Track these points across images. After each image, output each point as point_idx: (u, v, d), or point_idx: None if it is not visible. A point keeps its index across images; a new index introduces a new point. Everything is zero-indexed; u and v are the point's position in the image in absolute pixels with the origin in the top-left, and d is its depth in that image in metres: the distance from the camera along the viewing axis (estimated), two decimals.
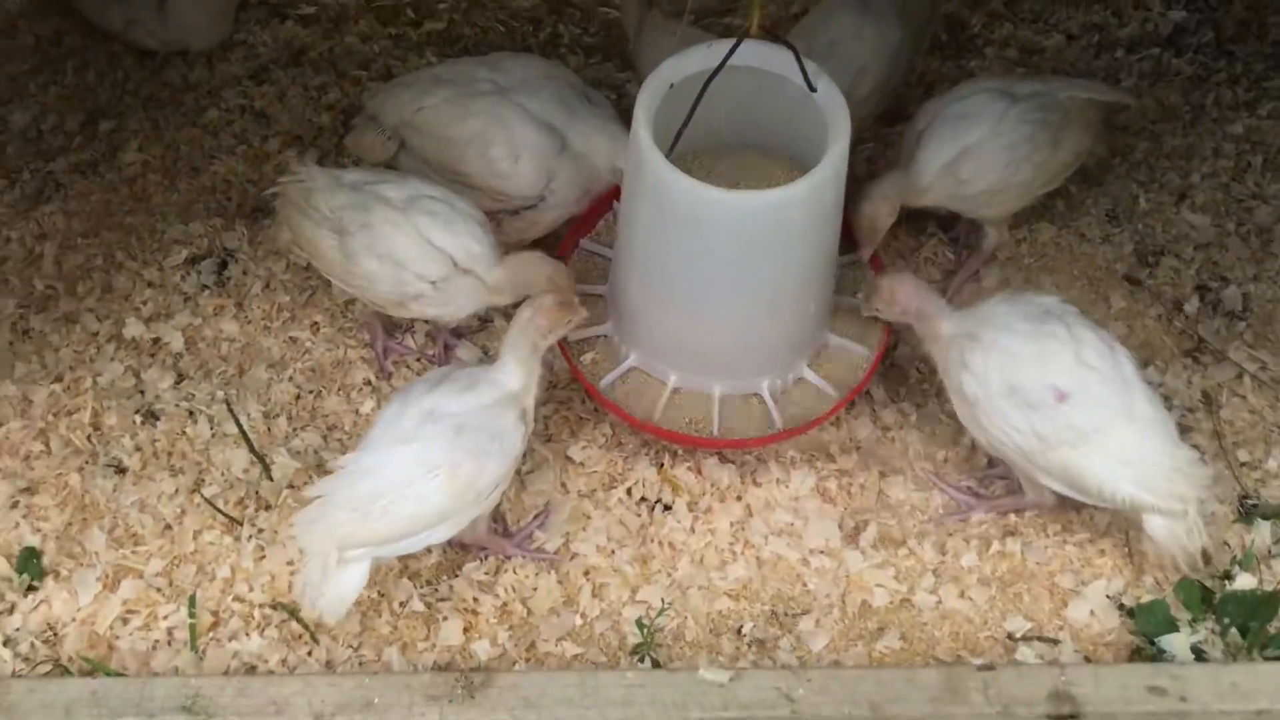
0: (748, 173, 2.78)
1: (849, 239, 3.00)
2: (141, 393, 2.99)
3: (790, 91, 2.62)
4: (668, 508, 2.84)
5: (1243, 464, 2.91)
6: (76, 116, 3.54)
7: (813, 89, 2.58)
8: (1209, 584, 2.70)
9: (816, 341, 2.86)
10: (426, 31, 3.78)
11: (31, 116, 3.54)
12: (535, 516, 2.80)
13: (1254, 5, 3.85)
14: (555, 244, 2.99)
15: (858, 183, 3.35)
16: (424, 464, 2.46)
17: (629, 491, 2.86)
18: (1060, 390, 2.55)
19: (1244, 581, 2.69)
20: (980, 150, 2.91)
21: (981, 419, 2.64)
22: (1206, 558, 2.64)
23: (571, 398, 2.99)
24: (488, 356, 3.09)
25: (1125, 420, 2.56)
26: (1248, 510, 2.83)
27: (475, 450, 2.48)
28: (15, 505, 2.81)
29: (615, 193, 2.96)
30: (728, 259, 2.59)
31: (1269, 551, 2.76)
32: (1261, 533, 2.77)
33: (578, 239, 3.02)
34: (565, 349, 2.81)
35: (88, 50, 3.69)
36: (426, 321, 3.08)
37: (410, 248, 2.74)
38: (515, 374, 2.57)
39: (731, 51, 2.52)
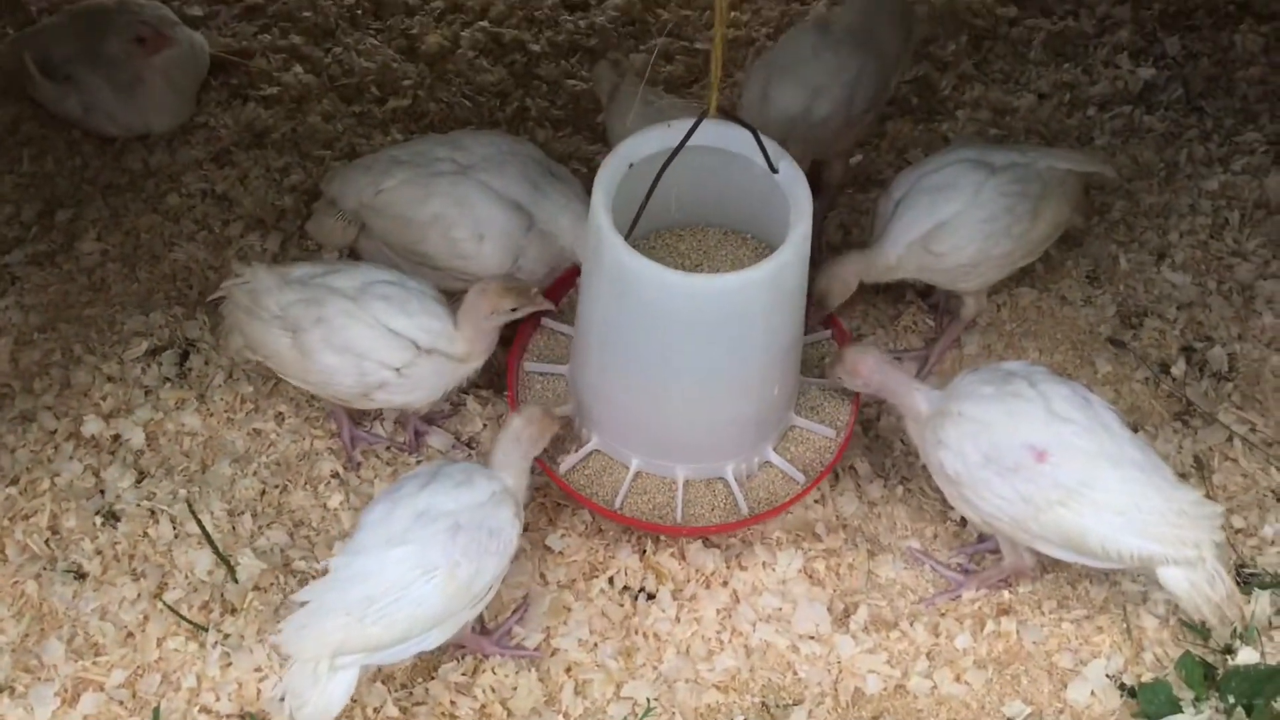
0: (712, 252, 2.73)
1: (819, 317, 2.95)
2: (102, 493, 2.88)
3: (754, 171, 2.57)
4: (651, 596, 2.75)
5: (1238, 530, 2.84)
6: (33, 206, 3.46)
7: (774, 170, 2.52)
8: (1210, 659, 2.61)
9: (782, 424, 2.79)
10: (391, 109, 3.73)
11: None
12: (514, 611, 2.70)
13: (1221, 61, 3.85)
14: (515, 324, 2.86)
15: (830, 249, 3.33)
16: (421, 565, 2.37)
17: (610, 581, 2.77)
18: (1037, 448, 2.48)
19: (1246, 656, 2.60)
20: (958, 223, 2.86)
21: (969, 495, 2.56)
22: (1235, 607, 2.54)
23: (548, 484, 2.89)
24: (460, 442, 3.00)
25: (1112, 468, 2.48)
26: (1246, 579, 2.75)
27: (474, 549, 2.40)
28: None
29: (579, 269, 2.90)
30: (687, 342, 2.52)
31: (1270, 623, 2.68)
32: (1261, 603, 2.69)
33: (539, 317, 2.95)
34: None
35: (45, 138, 3.62)
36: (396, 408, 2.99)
37: (369, 337, 2.67)
38: (510, 477, 2.54)
39: (690, 133, 2.47)
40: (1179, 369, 3.12)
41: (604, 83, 3.32)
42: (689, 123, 2.48)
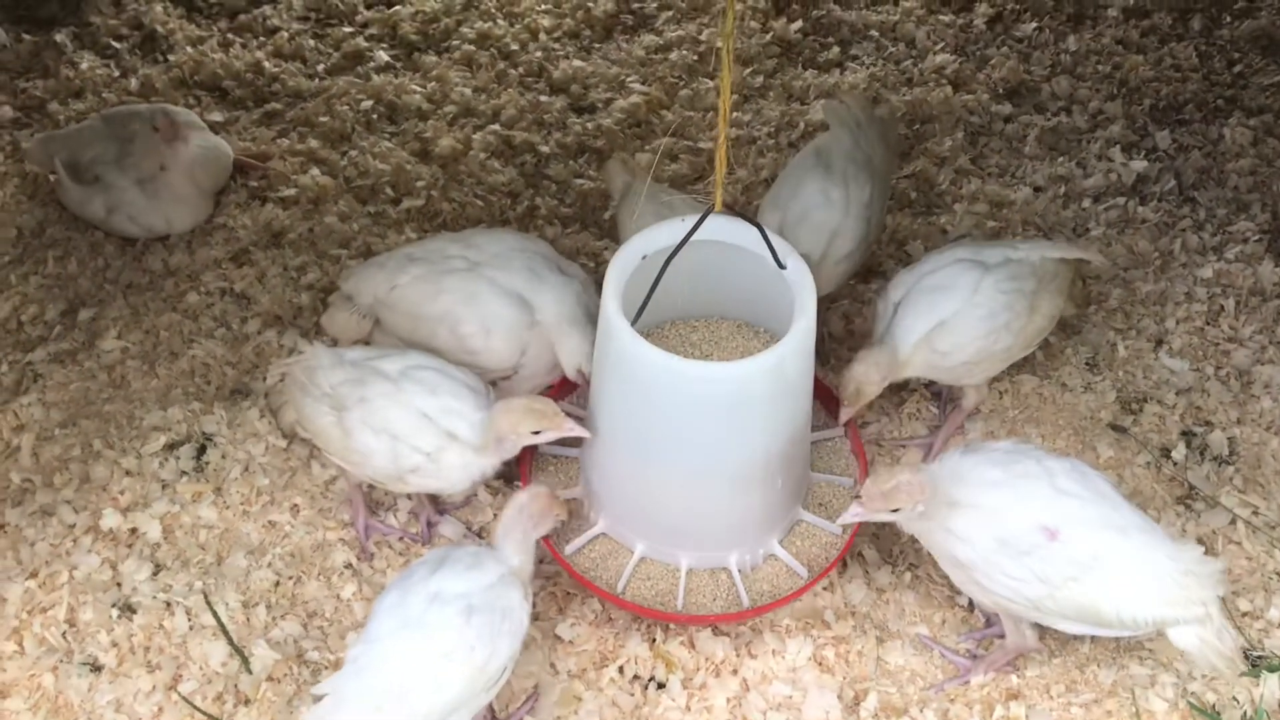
0: (723, 343, 2.80)
1: (831, 413, 2.98)
2: (119, 585, 2.92)
3: (764, 266, 2.64)
4: (661, 685, 2.76)
5: (1244, 614, 2.86)
6: (57, 306, 3.56)
7: (782, 266, 2.60)
8: None
9: (788, 518, 2.82)
10: (405, 209, 3.84)
11: (12, 308, 3.55)
12: (525, 700, 2.71)
13: (1212, 154, 3.95)
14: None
15: (833, 340, 3.40)
16: (438, 650, 2.39)
17: (621, 670, 2.79)
18: (1049, 528, 2.52)
19: None
20: (958, 322, 2.92)
21: (982, 580, 2.58)
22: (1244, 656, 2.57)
23: (558, 573, 2.93)
24: (471, 532, 3.04)
25: (1119, 537, 2.52)
26: (1254, 663, 2.76)
27: (488, 632, 2.43)
28: None
29: None
30: (687, 429, 2.57)
31: (1278, 705, 2.68)
32: (1270, 686, 2.70)
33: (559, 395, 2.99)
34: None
35: (70, 240, 3.73)
36: (409, 498, 3.04)
37: (404, 419, 2.72)
38: (514, 555, 2.56)
39: (695, 228, 2.56)
40: (1180, 453, 3.16)
41: (615, 180, 3.40)
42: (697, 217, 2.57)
